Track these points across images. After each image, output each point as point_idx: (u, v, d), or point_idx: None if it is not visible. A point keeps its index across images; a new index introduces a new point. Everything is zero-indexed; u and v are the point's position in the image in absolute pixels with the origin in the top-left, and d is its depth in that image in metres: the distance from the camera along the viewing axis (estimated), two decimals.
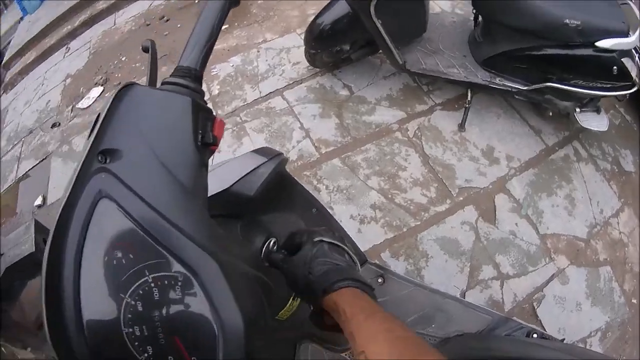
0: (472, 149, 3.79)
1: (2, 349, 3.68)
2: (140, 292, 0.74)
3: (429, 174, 3.67)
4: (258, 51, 5.28)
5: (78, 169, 0.82)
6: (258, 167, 1.48)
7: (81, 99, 6.22)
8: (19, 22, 10.62)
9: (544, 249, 3.33)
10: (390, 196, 3.59)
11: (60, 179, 5.14)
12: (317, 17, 4.06)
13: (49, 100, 6.94)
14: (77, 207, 0.78)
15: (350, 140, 3.98)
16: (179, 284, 0.76)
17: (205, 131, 0.98)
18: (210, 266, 0.79)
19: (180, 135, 0.93)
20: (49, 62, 8.45)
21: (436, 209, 3.51)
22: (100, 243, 0.75)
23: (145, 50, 1.22)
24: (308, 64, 4.61)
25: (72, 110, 6.16)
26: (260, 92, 4.65)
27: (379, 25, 3.50)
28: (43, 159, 5.67)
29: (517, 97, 3.70)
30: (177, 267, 0.76)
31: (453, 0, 5.20)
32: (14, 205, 5.41)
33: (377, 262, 2.37)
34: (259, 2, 6.23)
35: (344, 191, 3.68)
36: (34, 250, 2.93)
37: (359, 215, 3.53)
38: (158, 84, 1.10)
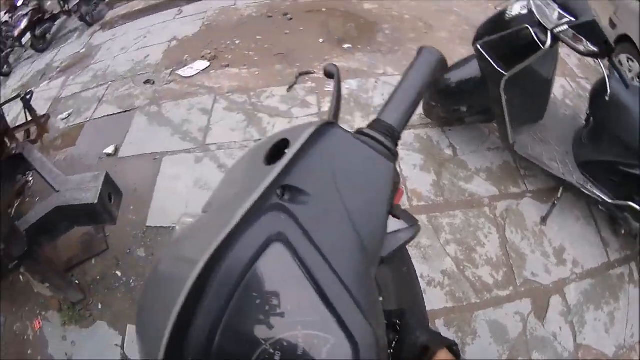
0: (547, 244, 4.11)
1: (21, 276, 4.24)
2: (284, 343, 0.73)
3: (502, 257, 4.01)
4: (376, 82, 5.69)
5: (255, 197, 0.80)
6: (398, 230, 1.38)
7: (184, 67, 6.64)
8: None
9: (574, 357, 3.64)
10: (462, 267, 3.93)
11: (140, 136, 5.54)
12: (445, 72, 4.39)
13: (148, 55, 7.41)
14: (242, 239, 0.77)
15: (442, 202, 4.32)
16: (330, 347, 0.75)
17: (392, 200, 0.99)
18: (369, 339, 0.79)
19: (377, 200, 0.94)
20: (156, 17, 8.94)
21: (498, 293, 3.84)
22: (261, 285, 0.76)
23: (329, 75, 1.27)
24: (422, 113, 4.98)
25: (170, 74, 6.60)
26: None
27: (504, 100, 3.84)
28: (126, 111, 6.10)
29: (600, 207, 3.98)
30: (336, 331, 0.76)
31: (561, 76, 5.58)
32: (75, 137, 5.97)
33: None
34: (387, 32, 6.64)
35: (422, 249, 4.05)
36: (96, 202, 3.17)
37: (429, 277, 3.87)
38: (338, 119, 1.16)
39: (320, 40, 6.68)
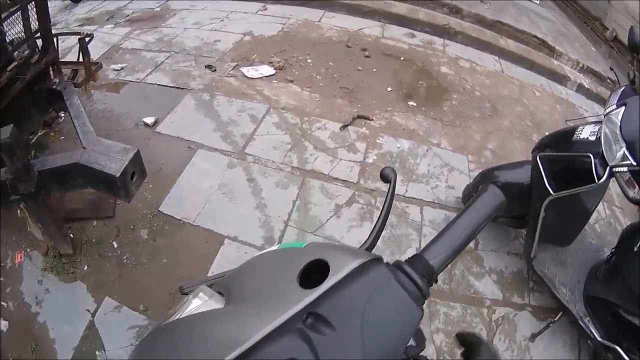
0: None
1: (19, 210, 4.59)
2: None
3: None
4: (427, 150, 6.04)
5: (282, 320, 0.91)
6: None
7: (249, 66, 7.07)
8: None
9: None
10: (441, 359, 4.14)
11: (183, 118, 5.96)
12: (497, 167, 4.77)
13: (219, 41, 7.87)
14: (258, 356, 0.86)
15: (447, 290, 4.56)
16: None
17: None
18: None
19: (396, 343, 1.00)
20: (239, 4, 9.45)
21: None
22: None
23: (385, 179, 1.39)
24: (460, 196, 5.31)
25: (234, 68, 7.02)
26: (405, 191, 5.40)
27: (541, 217, 4.06)
28: (179, 87, 6.54)
29: (588, 341, 4.15)
30: None
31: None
32: (118, 90, 6.55)
33: None
34: (454, 102, 6.97)
35: None
36: (117, 175, 3.38)
37: None
38: None
39: (389, 89, 6.96)
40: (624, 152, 3.38)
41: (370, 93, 6.83)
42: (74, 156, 3.68)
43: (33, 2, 4.54)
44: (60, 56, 5.39)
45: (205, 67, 7.06)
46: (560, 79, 9.12)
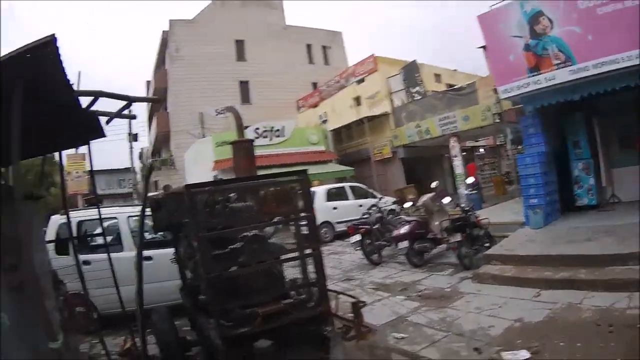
0: None
1: None
2: None
3: None
4: None
5: None
6: None
7: (510, 351, 7.78)
8: None
9: None
10: None
11: None
12: None
13: (492, 326, 8.88)
14: None
15: None
16: None
17: None
18: None
19: None
20: (516, 291, 10.68)
21: None
22: None
23: None
24: None
25: (497, 352, 7.80)
26: None
27: None
28: None
29: None
30: None
31: None
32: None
33: None
34: None
35: None
36: None
37: None
38: None
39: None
40: None
41: None
42: None
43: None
44: (340, 312, 6.91)
45: (473, 349, 7.89)
46: None
